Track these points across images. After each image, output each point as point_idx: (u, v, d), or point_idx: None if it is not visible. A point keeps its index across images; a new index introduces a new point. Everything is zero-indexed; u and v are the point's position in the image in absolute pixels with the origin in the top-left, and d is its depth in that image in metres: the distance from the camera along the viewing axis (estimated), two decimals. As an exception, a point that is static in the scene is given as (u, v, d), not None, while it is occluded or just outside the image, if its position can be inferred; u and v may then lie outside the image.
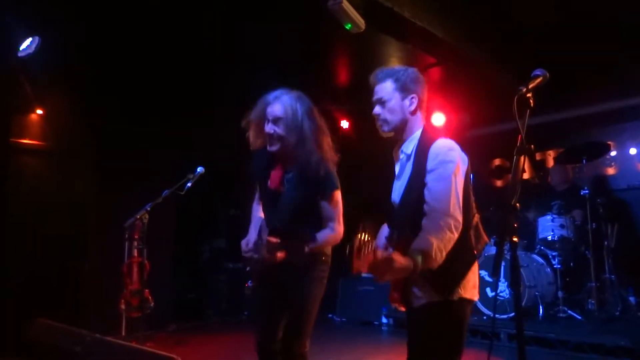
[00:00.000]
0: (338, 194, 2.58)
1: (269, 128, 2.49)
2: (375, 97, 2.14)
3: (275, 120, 2.48)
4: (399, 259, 1.77)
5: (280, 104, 2.48)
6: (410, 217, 1.99)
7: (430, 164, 1.97)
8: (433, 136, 2.06)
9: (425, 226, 1.89)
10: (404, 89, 2.10)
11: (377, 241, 2.25)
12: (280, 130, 2.47)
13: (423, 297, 2.01)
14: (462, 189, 1.97)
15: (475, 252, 2.04)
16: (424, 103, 2.15)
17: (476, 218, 2.07)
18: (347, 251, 1.75)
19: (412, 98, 2.10)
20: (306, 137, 2.48)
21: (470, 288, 2.03)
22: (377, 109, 2.13)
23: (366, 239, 1.74)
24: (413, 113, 2.11)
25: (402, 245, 1.98)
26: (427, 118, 2.24)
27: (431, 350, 1.99)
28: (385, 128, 2.13)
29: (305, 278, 2.54)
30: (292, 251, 2.40)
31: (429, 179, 1.95)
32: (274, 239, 2.37)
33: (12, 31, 4.53)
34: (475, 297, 2.06)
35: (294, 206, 2.53)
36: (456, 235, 1.88)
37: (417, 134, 2.10)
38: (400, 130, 2.13)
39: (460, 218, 1.91)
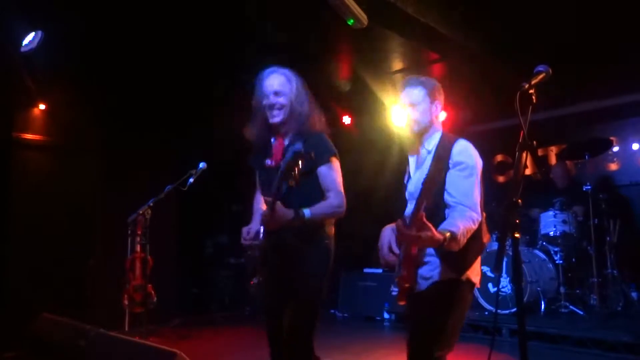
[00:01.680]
0: (336, 161, 2.52)
1: (271, 100, 2.50)
2: (406, 100, 2.39)
3: (277, 92, 2.50)
4: (434, 230, 1.93)
5: (279, 75, 2.53)
6: (429, 206, 2.14)
7: (455, 157, 2.22)
8: (454, 136, 2.34)
9: (452, 215, 2.12)
10: (432, 96, 2.39)
11: (380, 243, 2.34)
12: (283, 100, 2.50)
13: (432, 277, 2.21)
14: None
15: (484, 243, 2.29)
16: (442, 110, 2.46)
17: (483, 216, 2.27)
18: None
19: (437, 104, 2.40)
20: (303, 106, 2.52)
21: (475, 274, 2.27)
22: (409, 110, 2.39)
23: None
24: (437, 117, 2.41)
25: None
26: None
27: (437, 325, 2.16)
28: (416, 128, 2.38)
29: (307, 266, 2.46)
30: (290, 214, 2.33)
31: (455, 174, 2.19)
32: (269, 199, 2.32)
33: (14, 26, 4.53)
34: (478, 284, 2.30)
35: None
36: (476, 227, 2.12)
37: (438, 134, 2.38)
38: (425, 130, 2.39)
39: (480, 213, 2.16)
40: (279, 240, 2.48)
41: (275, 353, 2.57)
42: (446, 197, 2.18)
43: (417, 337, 2.22)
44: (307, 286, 2.47)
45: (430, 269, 2.22)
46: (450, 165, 2.21)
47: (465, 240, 2.04)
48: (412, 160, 2.47)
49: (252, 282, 2.54)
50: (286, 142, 2.56)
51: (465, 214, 2.10)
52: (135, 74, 5.66)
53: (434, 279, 2.20)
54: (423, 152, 2.39)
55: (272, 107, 2.50)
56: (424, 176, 2.26)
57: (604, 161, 6.22)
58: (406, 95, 2.40)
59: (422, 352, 2.18)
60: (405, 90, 2.41)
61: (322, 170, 2.48)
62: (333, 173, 2.50)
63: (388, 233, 2.34)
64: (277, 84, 2.51)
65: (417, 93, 2.38)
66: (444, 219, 2.13)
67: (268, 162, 2.61)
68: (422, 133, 2.38)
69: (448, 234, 1.97)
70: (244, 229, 2.59)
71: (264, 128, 2.58)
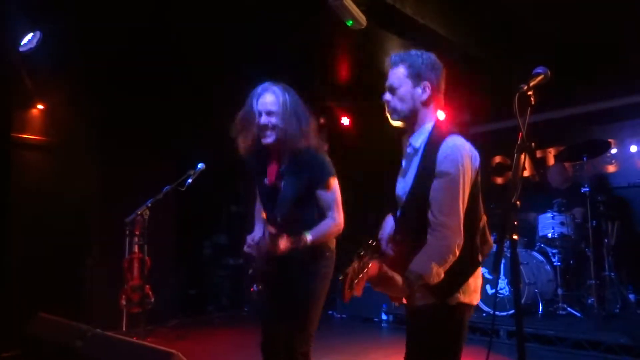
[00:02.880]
0: (334, 181, 2.54)
1: (263, 120, 2.44)
2: (386, 83, 1.99)
3: (269, 112, 2.44)
4: (398, 281, 1.77)
5: (272, 95, 2.45)
6: (415, 219, 1.93)
7: (439, 165, 1.86)
8: (444, 132, 1.92)
9: (430, 244, 1.84)
10: (417, 76, 1.94)
11: (381, 233, 2.15)
12: (275, 121, 2.43)
13: (422, 298, 1.93)
14: (469, 193, 1.89)
15: (480, 258, 1.98)
16: (439, 92, 2.00)
17: (483, 221, 2.00)
18: (339, 278, 1.68)
19: (425, 86, 1.95)
20: (299, 126, 2.45)
21: (471, 292, 1.95)
22: (387, 96, 1.99)
23: (360, 267, 1.67)
24: (425, 103, 1.97)
25: (401, 255, 1.94)
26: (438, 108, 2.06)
27: (430, 353, 1.95)
28: (394, 117, 2.00)
29: (308, 275, 2.50)
30: (293, 242, 2.37)
31: (437, 186, 1.86)
32: (273, 229, 2.36)
33: (13, 26, 4.53)
34: (475, 301, 1.97)
35: (292, 197, 2.49)
36: (456, 256, 1.83)
37: (428, 126, 1.96)
38: (410, 121, 2.00)
39: (463, 234, 1.85)
40: (282, 256, 2.47)
41: None
42: (429, 213, 1.86)
43: (409, 356, 2.04)
44: (307, 300, 2.50)
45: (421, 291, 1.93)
46: (437, 174, 1.86)
47: (440, 277, 1.80)
48: (403, 160, 2.11)
49: (252, 290, 2.56)
50: (282, 165, 2.55)
51: (445, 243, 1.81)
52: (134, 74, 5.66)
53: (421, 301, 1.93)
54: (410, 151, 2.00)
55: (264, 127, 2.45)
56: (409, 184, 1.98)
57: (602, 163, 6.23)
58: (388, 76, 1.99)
59: None
60: (389, 71, 2.00)
61: (321, 193, 2.51)
62: (332, 194, 2.52)
63: (390, 225, 2.15)
64: (270, 103, 2.43)
65: (396, 73, 1.96)
66: None
67: (265, 180, 2.62)
68: (406, 125, 2.01)
69: (415, 284, 1.77)
70: (249, 237, 2.59)
71: (258, 145, 2.54)
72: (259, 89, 2.51)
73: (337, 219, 2.52)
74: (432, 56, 2.00)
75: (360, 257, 1.68)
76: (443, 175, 1.86)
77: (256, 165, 2.64)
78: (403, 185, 2.06)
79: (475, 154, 1.93)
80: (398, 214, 2.09)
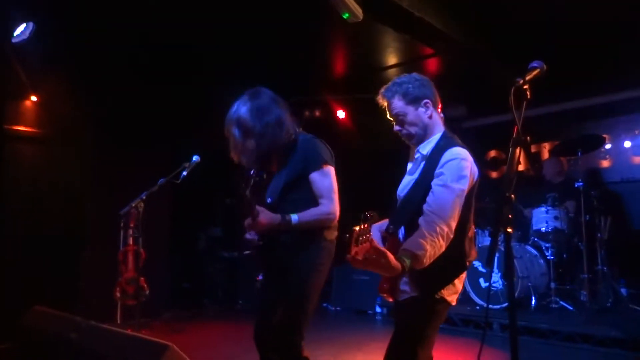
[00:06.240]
0: (329, 168, 2.49)
1: (247, 144, 2.53)
2: (391, 114, 2.20)
3: (244, 140, 2.52)
4: (391, 259, 1.80)
5: (234, 128, 2.53)
6: (410, 214, 2.05)
7: (440, 168, 2.02)
8: (450, 142, 2.11)
9: (421, 227, 1.93)
10: (415, 100, 2.15)
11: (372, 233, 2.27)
12: (253, 143, 2.51)
13: (406, 291, 2.09)
14: (465, 201, 2.02)
15: (467, 263, 2.12)
16: (436, 103, 2.20)
17: (472, 231, 2.15)
18: (346, 237, 1.73)
19: (425, 103, 2.16)
20: (275, 131, 2.50)
21: (452, 293, 2.10)
22: (397, 127, 2.20)
23: (366, 228, 1.70)
24: (430, 117, 2.17)
25: (393, 246, 2.03)
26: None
27: (408, 339, 2.07)
28: (413, 141, 2.21)
29: (301, 264, 2.46)
30: (273, 217, 2.38)
31: (436, 183, 2.01)
32: (256, 207, 2.38)
33: (6, 16, 4.49)
34: (454, 302, 2.13)
35: (285, 180, 2.52)
36: (445, 245, 1.93)
37: (436, 137, 2.17)
38: (424, 136, 2.19)
39: (453, 230, 1.95)
40: (274, 241, 2.50)
41: (262, 353, 2.57)
42: (425, 205, 1.99)
43: (390, 348, 2.13)
44: (297, 289, 2.47)
45: (406, 282, 2.10)
46: (436, 175, 2.03)
47: (430, 260, 1.88)
48: (409, 164, 2.33)
49: (257, 278, 2.58)
50: (282, 156, 2.61)
51: (435, 227, 1.90)
52: (129, 66, 5.62)
53: (409, 294, 2.09)
54: (418, 156, 2.21)
55: (252, 152, 2.54)
56: (411, 183, 2.16)
57: (596, 158, 6.26)
58: (389, 109, 2.20)
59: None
60: (387, 105, 2.20)
61: (313, 176, 2.47)
62: (325, 179, 2.47)
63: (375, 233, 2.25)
64: (239, 134, 2.52)
65: (396, 106, 2.16)
66: None
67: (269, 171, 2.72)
68: (422, 140, 2.19)
69: (408, 262, 1.83)
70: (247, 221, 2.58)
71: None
72: (230, 116, 2.56)
73: (328, 207, 2.45)
74: (416, 75, 2.20)
75: (365, 219, 1.69)
76: (442, 176, 2.00)
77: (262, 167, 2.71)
78: (405, 185, 2.23)
79: (475, 167, 2.09)
80: (394, 210, 2.20)
